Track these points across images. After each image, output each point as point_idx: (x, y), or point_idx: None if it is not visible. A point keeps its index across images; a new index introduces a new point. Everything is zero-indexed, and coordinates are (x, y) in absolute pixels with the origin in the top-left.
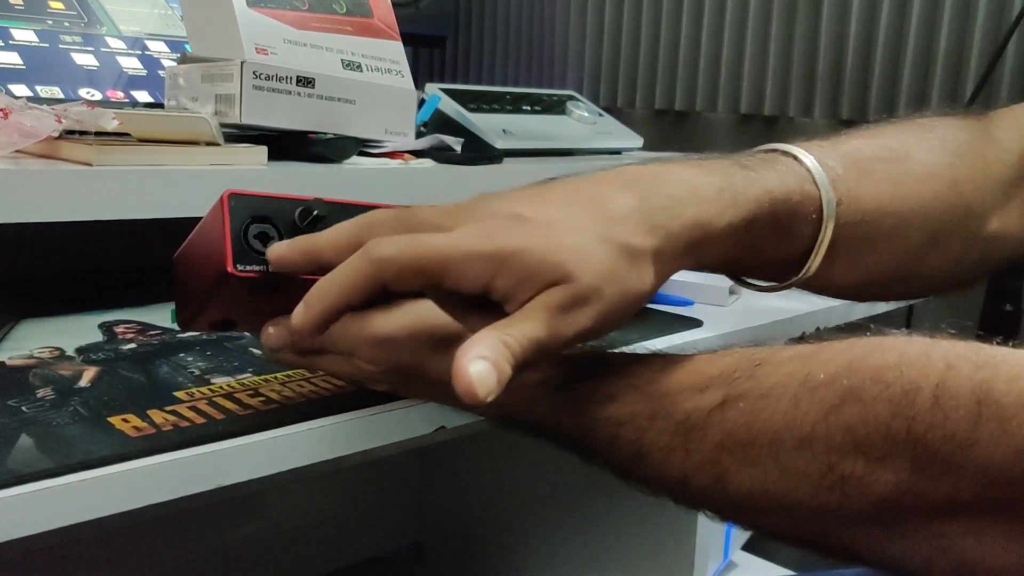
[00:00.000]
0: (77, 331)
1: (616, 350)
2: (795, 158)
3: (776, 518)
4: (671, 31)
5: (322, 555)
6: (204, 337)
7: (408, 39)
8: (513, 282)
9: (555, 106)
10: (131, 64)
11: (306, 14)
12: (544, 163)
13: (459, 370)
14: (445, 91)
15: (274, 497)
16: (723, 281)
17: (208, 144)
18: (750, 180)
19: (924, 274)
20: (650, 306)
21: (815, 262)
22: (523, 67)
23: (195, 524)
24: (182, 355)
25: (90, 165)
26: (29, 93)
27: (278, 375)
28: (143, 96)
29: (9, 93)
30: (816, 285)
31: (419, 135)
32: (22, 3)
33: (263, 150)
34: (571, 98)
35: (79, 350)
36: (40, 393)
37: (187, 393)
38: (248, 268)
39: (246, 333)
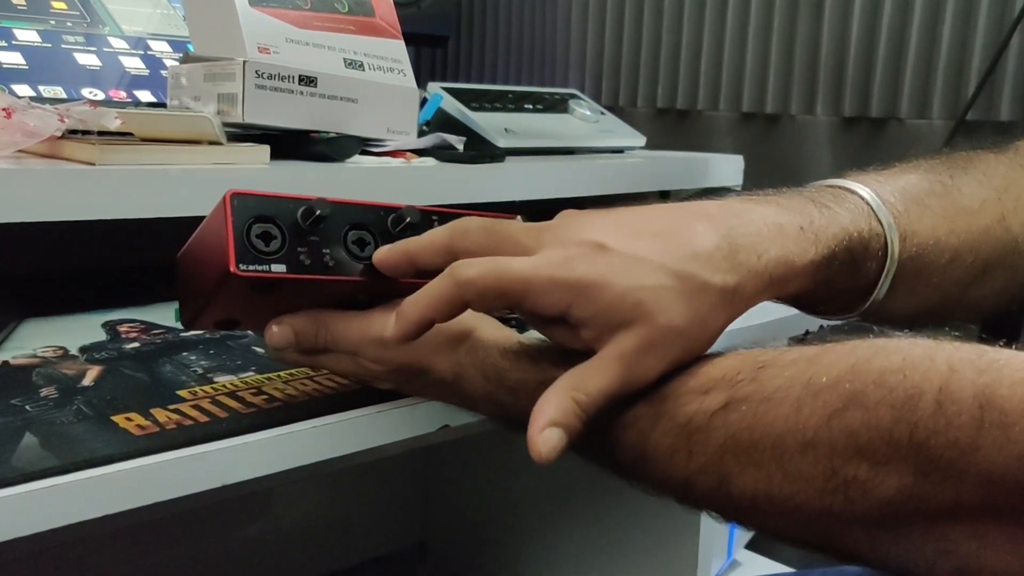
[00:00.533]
0: (80, 330)
1: None
2: (859, 195)
3: (780, 520)
4: (673, 30)
5: (326, 554)
6: (207, 336)
7: (410, 38)
8: (590, 314)
9: (557, 105)
10: (133, 64)
11: (308, 13)
12: (546, 162)
13: (532, 437)
14: (447, 90)
15: (278, 496)
16: None
17: (210, 143)
18: (828, 219)
19: (971, 303)
20: None
21: (880, 294)
22: (525, 66)
23: (200, 523)
24: (185, 354)
25: (93, 165)
26: (32, 93)
27: (281, 373)
28: (145, 96)
29: (12, 93)
30: (874, 315)
31: (421, 134)
32: (25, 3)
33: (265, 149)
34: (573, 97)
35: (82, 349)
36: (43, 392)
37: (190, 392)
38: (250, 268)
39: (249, 332)
